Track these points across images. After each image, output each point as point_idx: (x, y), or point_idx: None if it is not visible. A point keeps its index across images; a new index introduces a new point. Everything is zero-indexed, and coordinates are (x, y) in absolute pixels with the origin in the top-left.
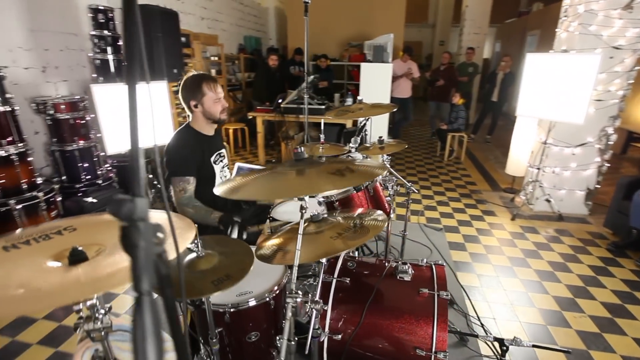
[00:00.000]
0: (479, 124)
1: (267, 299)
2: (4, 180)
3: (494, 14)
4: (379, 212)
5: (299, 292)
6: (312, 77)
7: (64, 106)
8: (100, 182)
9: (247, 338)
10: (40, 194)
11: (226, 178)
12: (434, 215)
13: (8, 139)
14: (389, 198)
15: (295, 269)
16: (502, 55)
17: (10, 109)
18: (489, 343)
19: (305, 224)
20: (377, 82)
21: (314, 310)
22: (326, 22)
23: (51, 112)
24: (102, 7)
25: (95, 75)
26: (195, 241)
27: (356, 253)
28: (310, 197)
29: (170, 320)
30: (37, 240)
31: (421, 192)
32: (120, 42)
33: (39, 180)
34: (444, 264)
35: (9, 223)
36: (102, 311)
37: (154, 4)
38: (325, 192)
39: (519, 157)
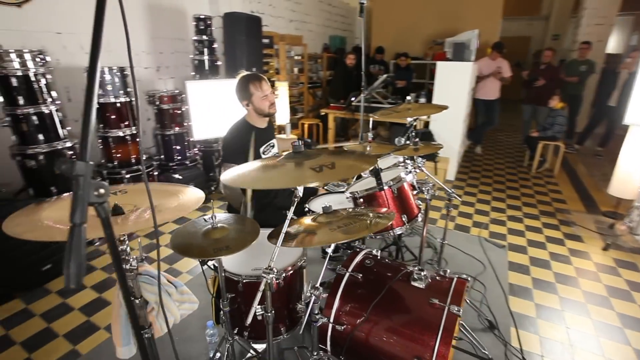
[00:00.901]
0: (587, 133)
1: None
2: (119, 155)
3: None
4: (390, 214)
5: (274, 269)
6: (384, 75)
7: (166, 98)
8: (188, 162)
9: (258, 310)
10: (142, 168)
11: None
12: (500, 230)
13: (125, 123)
14: (419, 201)
15: (277, 249)
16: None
17: (129, 100)
18: None
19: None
20: (453, 83)
21: (312, 295)
22: (412, 19)
23: (157, 103)
24: (203, 16)
25: (193, 73)
26: (213, 214)
27: (377, 253)
28: (339, 192)
29: (113, 255)
30: None
31: (491, 204)
32: (215, 45)
33: (144, 157)
34: (499, 284)
35: None
36: (134, 256)
37: (247, 10)
38: (307, 184)
39: (628, 175)
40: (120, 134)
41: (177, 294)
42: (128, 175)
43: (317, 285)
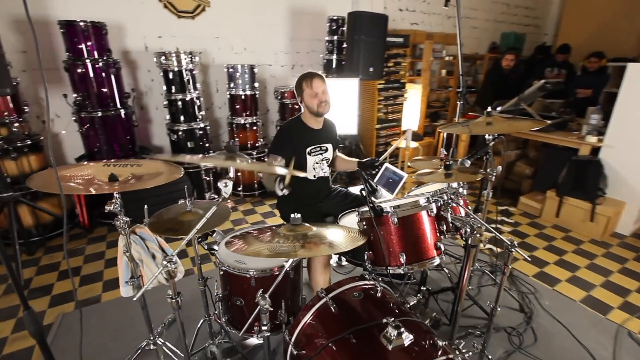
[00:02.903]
0: None
1: (248, 275)
2: (238, 139)
3: None
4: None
5: (174, 257)
6: (541, 82)
7: (286, 94)
8: None
9: (235, 300)
10: (254, 152)
11: (322, 170)
12: None
13: (247, 113)
14: (440, 246)
15: (184, 242)
16: None
17: (253, 93)
18: None
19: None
20: None
21: (258, 304)
22: (624, 3)
23: (279, 97)
24: (335, 17)
25: (322, 71)
26: (190, 199)
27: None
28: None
29: None
30: (120, 165)
31: None
32: (344, 45)
33: (258, 143)
34: None
35: None
36: (125, 218)
37: (394, 8)
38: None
39: None
40: (242, 121)
41: (161, 259)
42: None
43: (267, 295)
